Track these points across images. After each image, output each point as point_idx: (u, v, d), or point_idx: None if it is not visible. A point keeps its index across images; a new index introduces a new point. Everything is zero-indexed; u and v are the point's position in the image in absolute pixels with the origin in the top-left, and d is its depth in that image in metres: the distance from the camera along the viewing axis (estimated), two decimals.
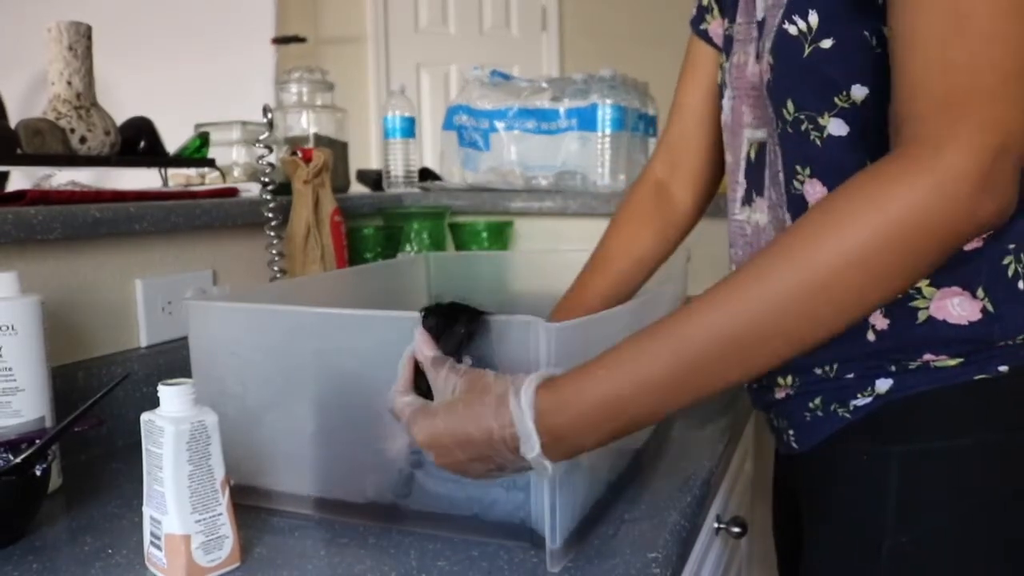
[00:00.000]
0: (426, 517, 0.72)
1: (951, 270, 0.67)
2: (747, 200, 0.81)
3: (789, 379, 0.76)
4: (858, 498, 0.73)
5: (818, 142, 0.70)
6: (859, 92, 0.66)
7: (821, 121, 0.69)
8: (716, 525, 0.99)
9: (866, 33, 0.64)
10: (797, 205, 0.73)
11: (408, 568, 0.66)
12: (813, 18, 0.66)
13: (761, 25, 0.75)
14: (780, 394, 0.78)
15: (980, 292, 0.67)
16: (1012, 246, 0.67)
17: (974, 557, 0.69)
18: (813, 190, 0.71)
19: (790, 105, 0.71)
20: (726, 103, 0.84)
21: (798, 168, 0.72)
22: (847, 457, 0.74)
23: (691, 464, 0.88)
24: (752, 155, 0.80)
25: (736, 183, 0.83)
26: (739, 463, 1.16)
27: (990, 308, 0.67)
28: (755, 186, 0.79)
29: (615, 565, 0.66)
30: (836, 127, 0.68)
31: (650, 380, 0.58)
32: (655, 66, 2.33)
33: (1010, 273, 0.68)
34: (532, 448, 0.58)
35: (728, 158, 0.84)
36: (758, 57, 0.76)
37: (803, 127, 0.70)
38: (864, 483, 0.72)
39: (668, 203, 0.99)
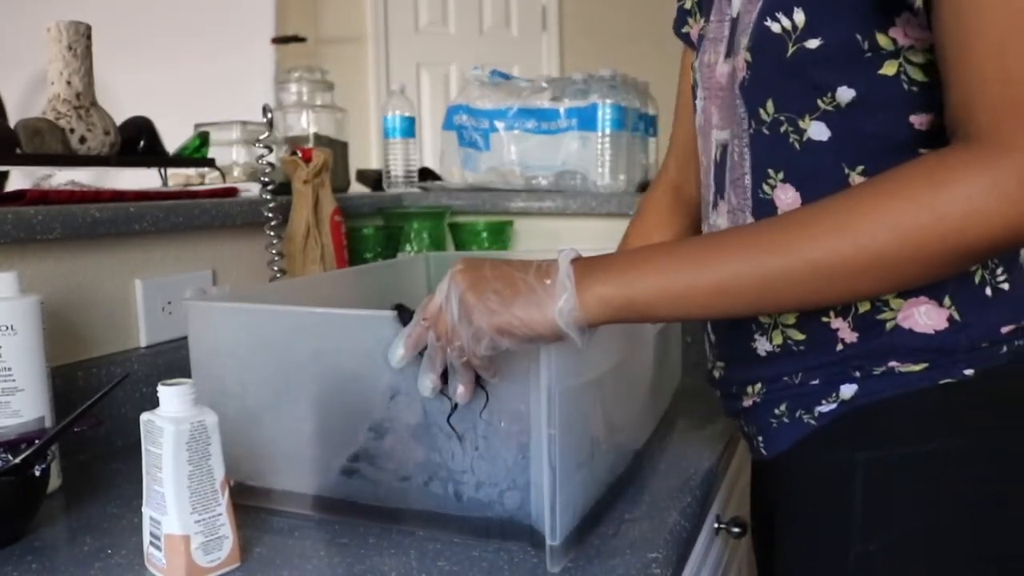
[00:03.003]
0: (426, 517, 0.72)
1: None
2: (715, 204, 0.79)
3: (758, 387, 0.76)
4: (824, 505, 0.72)
5: (796, 145, 0.68)
6: (845, 94, 0.65)
7: (802, 124, 0.67)
8: (716, 525, 0.99)
9: (857, 36, 0.63)
10: (763, 211, 0.71)
11: (408, 568, 0.66)
12: (799, 16, 0.65)
13: (735, 23, 0.73)
14: (748, 402, 0.78)
15: (947, 300, 0.66)
16: None
17: (940, 564, 0.68)
18: (785, 196, 0.69)
19: (769, 105, 0.69)
20: (698, 104, 0.82)
21: (770, 172, 0.70)
22: (813, 464, 0.73)
23: (691, 464, 0.88)
24: (717, 157, 0.78)
25: (708, 186, 0.81)
26: (739, 463, 1.15)
27: (956, 317, 0.66)
28: (720, 189, 0.78)
29: (615, 565, 0.66)
30: (817, 131, 0.67)
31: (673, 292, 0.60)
32: (655, 66, 2.32)
33: (977, 280, 0.67)
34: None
35: (702, 160, 0.83)
36: (728, 55, 0.74)
37: (782, 129, 0.69)
38: (830, 490, 0.72)
39: (684, 201, 1.00)
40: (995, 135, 0.54)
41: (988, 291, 0.67)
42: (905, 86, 0.63)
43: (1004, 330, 0.67)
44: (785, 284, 0.57)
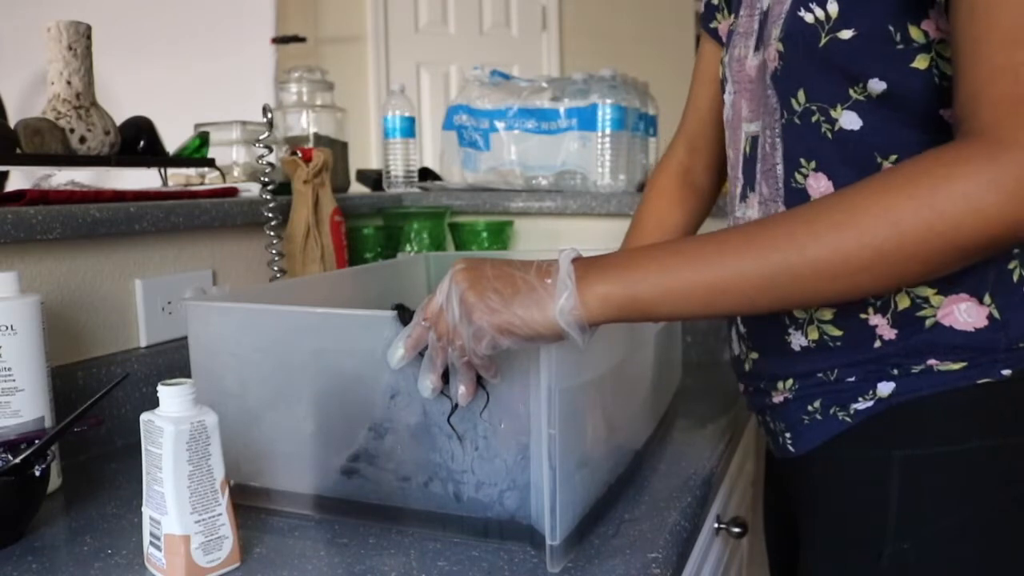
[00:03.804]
0: (426, 517, 0.72)
1: (959, 277, 0.66)
2: (744, 196, 0.80)
3: (789, 383, 0.76)
4: (858, 503, 0.72)
5: (828, 135, 0.69)
6: (877, 86, 0.65)
7: (833, 113, 0.68)
8: (716, 525, 0.99)
9: (890, 27, 0.63)
10: (796, 200, 0.72)
11: (408, 568, 0.66)
12: (832, 7, 0.65)
13: (765, 15, 0.74)
14: (778, 398, 0.78)
15: (987, 298, 0.67)
16: (1017, 251, 0.67)
17: (975, 563, 0.68)
18: (817, 184, 0.70)
19: (801, 95, 0.69)
20: (727, 98, 0.83)
21: (802, 161, 0.71)
22: (847, 461, 0.73)
23: (691, 464, 0.88)
24: (747, 149, 0.79)
25: (736, 179, 0.82)
26: (739, 463, 1.15)
27: (996, 314, 0.67)
28: (750, 181, 0.79)
29: (615, 565, 0.66)
30: (849, 120, 0.67)
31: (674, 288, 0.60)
32: (655, 66, 2.32)
33: (1015, 278, 0.67)
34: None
35: (729, 154, 0.84)
36: (757, 49, 0.75)
37: (813, 118, 0.69)
38: (865, 488, 0.72)
39: (692, 184, 1.01)
40: (997, 131, 0.54)
41: None
42: (936, 80, 0.63)
43: None
44: (786, 281, 0.57)
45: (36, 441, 0.73)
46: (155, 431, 0.64)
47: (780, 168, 0.73)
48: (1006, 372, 0.67)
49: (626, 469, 0.83)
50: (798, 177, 0.71)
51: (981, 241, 0.54)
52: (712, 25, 0.95)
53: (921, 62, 0.63)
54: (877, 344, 0.70)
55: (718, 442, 0.95)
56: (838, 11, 0.65)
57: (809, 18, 0.67)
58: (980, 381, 0.67)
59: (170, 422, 0.63)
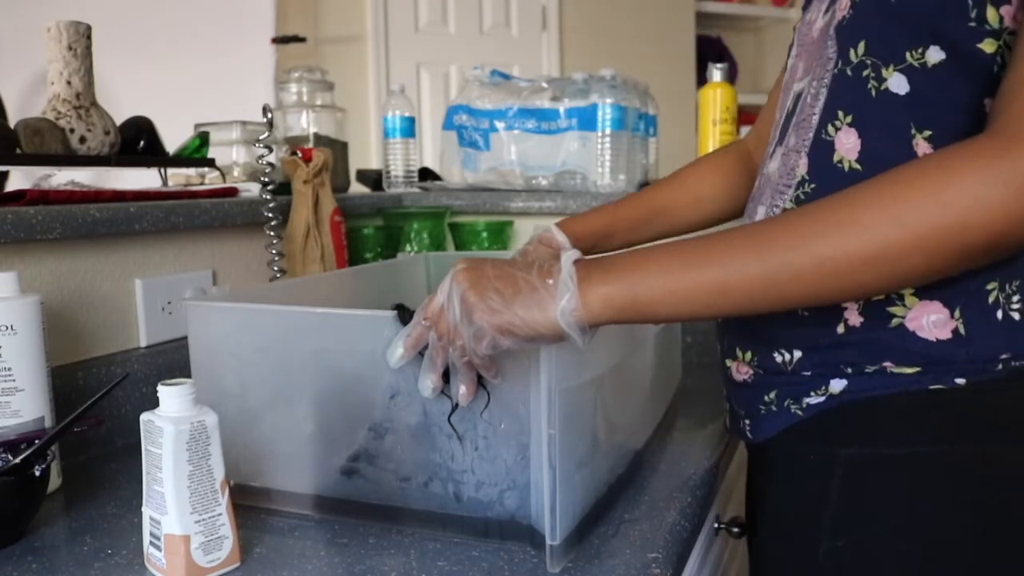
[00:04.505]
0: (426, 517, 0.72)
1: (938, 285, 0.65)
2: (772, 153, 0.79)
3: (748, 355, 0.76)
4: (802, 496, 0.72)
5: (873, 92, 0.67)
6: (936, 55, 0.64)
7: (884, 72, 0.66)
8: (716, 525, 0.99)
9: (969, 1, 0.62)
10: (820, 151, 0.70)
11: (408, 568, 0.66)
12: None
13: None
14: (739, 376, 0.77)
15: (957, 312, 0.66)
16: (999, 277, 0.66)
17: (913, 566, 0.67)
18: (847, 140, 0.68)
19: (861, 47, 0.68)
20: (790, 62, 0.82)
21: (840, 113, 0.69)
22: (794, 455, 0.73)
23: (691, 464, 0.88)
24: (791, 107, 0.77)
25: (773, 139, 0.80)
26: (739, 463, 1.15)
27: (961, 330, 0.66)
28: (782, 136, 0.77)
29: (615, 565, 0.66)
30: (897, 83, 0.66)
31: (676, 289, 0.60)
32: (656, 66, 2.32)
33: (990, 300, 0.66)
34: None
35: (776, 117, 0.82)
36: (827, 11, 0.74)
37: (864, 72, 0.68)
38: (809, 482, 0.72)
39: (747, 163, 0.98)
40: (1012, 128, 0.54)
41: (999, 314, 0.66)
42: (995, 69, 0.63)
43: (1003, 356, 0.66)
44: (789, 279, 0.57)
45: (36, 441, 0.73)
46: (155, 431, 0.64)
47: (816, 118, 0.71)
48: (960, 381, 0.66)
49: (626, 469, 0.83)
50: (830, 129, 0.70)
51: (987, 238, 0.53)
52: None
53: (988, 45, 0.62)
54: (841, 329, 0.69)
55: (718, 442, 0.95)
56: None
57: None
58: (933, 387, 0.66)
59: (170, 422, 0.63)
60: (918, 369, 0.67)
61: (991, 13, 0.62)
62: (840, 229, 0.55)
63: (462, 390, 0.65)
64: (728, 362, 0.80)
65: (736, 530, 0.99)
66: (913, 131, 0.66)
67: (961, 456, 0.66)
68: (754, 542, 0.80)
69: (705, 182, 0.98)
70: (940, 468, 0.67)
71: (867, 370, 0.68)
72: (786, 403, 0.73)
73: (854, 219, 0.55)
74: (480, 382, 0.66)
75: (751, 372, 0.76)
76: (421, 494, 0.72)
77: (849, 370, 0.69)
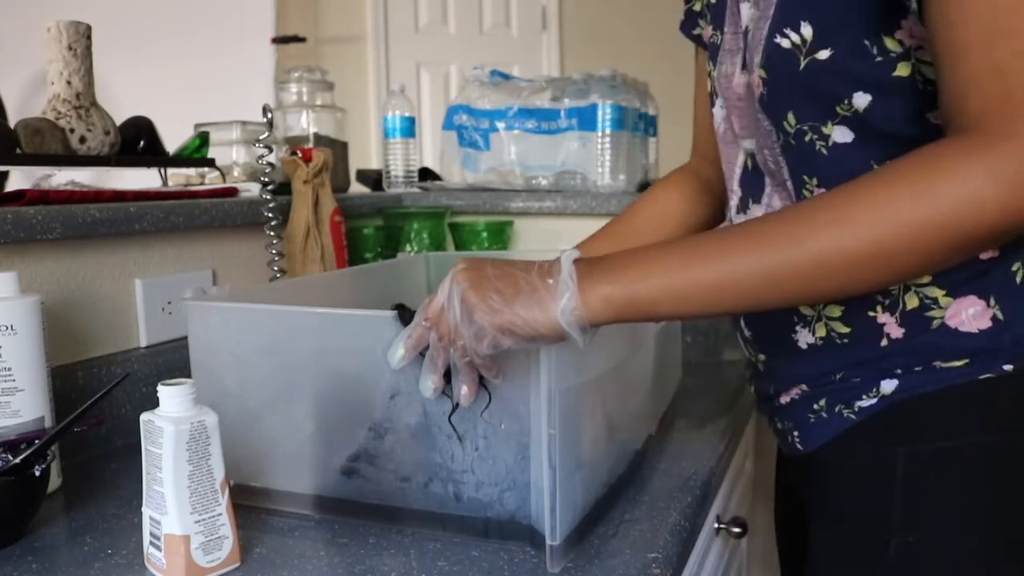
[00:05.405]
0: (426, 517, 0.72)
1: (969, 280, 0.67)
2: (742, 208, 0.81)
3: (801, 387, 0.77)
4: (864, 498, 0.73)
5: (824, 151, 0.69)
6: (861, 100, 0.66)
7: (825, 130, 0.68)
8: (716, 525, 0.99)
9: (866, 42, 0.64)
10: None
11: (408, 568, 0.66)
12: (807, 30, 0.65)
13: (746, 35, 0.74)
14: (785, 399, 0.79)
15: (992, 301, 0.67)
16: (1022, 257, 0.68)
17: (979, 557, 0.69)
18: None
19: (791, 118, 0.70)
20: (717, 112, 0.83)
21: (806, 179, 0.72)
22: (852, 458, 0.74)
23: (691, 464, 0.88)
24: (749, 164, 0.79)
25: (732, 191, 0.82)
26: (739, 463, 1.16)
27: (999, 315, 0.67)
28: (751, 194, 0.79)
29: (615, 565, 0.66)
30: (841, 134, 0.68)
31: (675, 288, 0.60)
32: (655, 66, 2.33)
33: (1019, 279, 0.68)
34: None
35: (725, 168, 0.84)
36: (744, 68, 0.75)
37: (807, 138, 0.70)
38: (870, 483, 0.72)
39: (700, 179, 0.99)
40: (986, 126, 0.54)
41: None
42: (920, 86, 0.64)
43: None
44: (787, 277, 0.57)
45: (36, 441, 0.73)
46: (155, 431, 0.64)
47: (790, 184, 0.74)
48: (1008, 367, 0.67)
49: (626, 469, 0.83)
50: (805, 193, 0.72)
51: (980, 232, 0.54)
52: (696, 32, 0.94)
53: (903, 70, 0.64)
54: (884, 342, 0.70)
55: (718, 442, 0.95)
56: (812, 33, 0.65)
57: (786, 43, 0.67)
58: (981, 377, 0.68)
59: (170, 422, 0.63)
60: (966, 361, 0.68)
61: (890, 43, 0.63)
62: (838, 227, 0.56)
63: (464, 390, 0.65)
64: (772, 388, 0.81)
65: (736, 530, 0.99)
66: (875, 166, 0.66)
67: (1013, 444, 0.68)
68: (810, 550, 0.80)
69: (663, 199, 0.99)
70: (995, 457, 0.68)
71: (916, 369, 0.70)
72: (837, 408, 0.74)
73: (851, 217, 0.56)
74: (481, 382, 0.66)
75: (799, 393, 0.77)
76: (421, 494, 0.72)
77: (899, 371, 0.70)
